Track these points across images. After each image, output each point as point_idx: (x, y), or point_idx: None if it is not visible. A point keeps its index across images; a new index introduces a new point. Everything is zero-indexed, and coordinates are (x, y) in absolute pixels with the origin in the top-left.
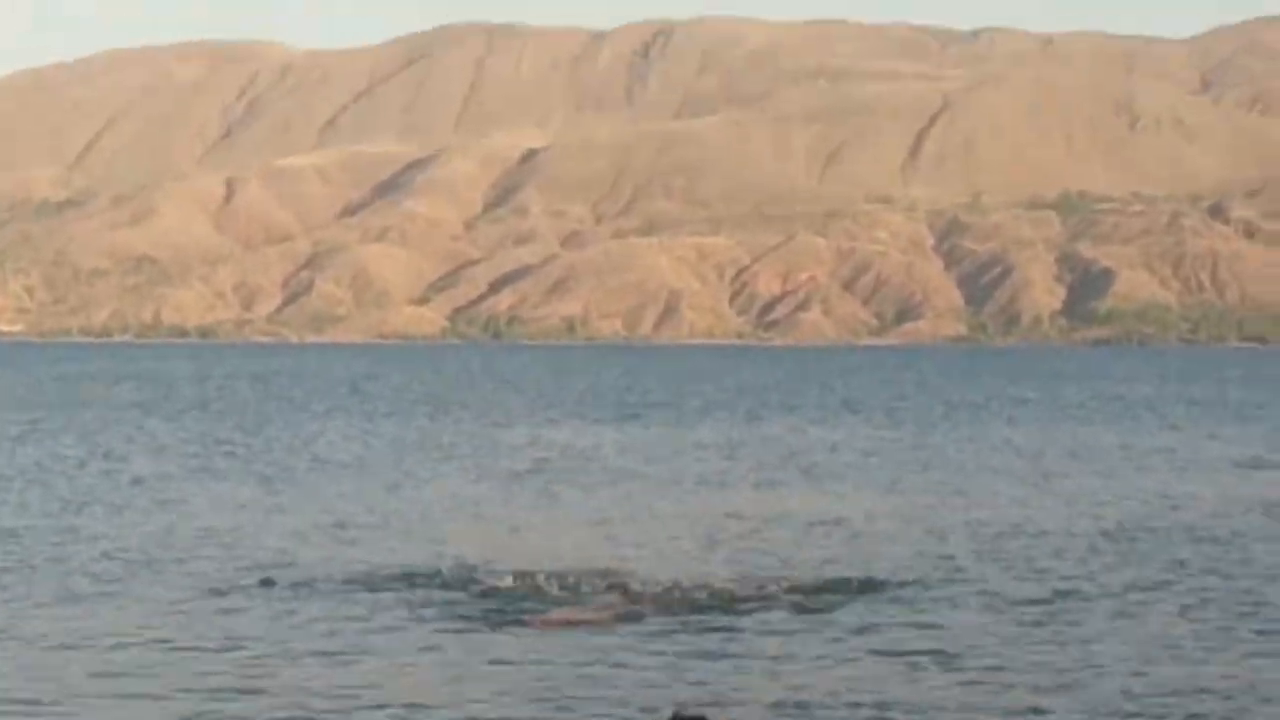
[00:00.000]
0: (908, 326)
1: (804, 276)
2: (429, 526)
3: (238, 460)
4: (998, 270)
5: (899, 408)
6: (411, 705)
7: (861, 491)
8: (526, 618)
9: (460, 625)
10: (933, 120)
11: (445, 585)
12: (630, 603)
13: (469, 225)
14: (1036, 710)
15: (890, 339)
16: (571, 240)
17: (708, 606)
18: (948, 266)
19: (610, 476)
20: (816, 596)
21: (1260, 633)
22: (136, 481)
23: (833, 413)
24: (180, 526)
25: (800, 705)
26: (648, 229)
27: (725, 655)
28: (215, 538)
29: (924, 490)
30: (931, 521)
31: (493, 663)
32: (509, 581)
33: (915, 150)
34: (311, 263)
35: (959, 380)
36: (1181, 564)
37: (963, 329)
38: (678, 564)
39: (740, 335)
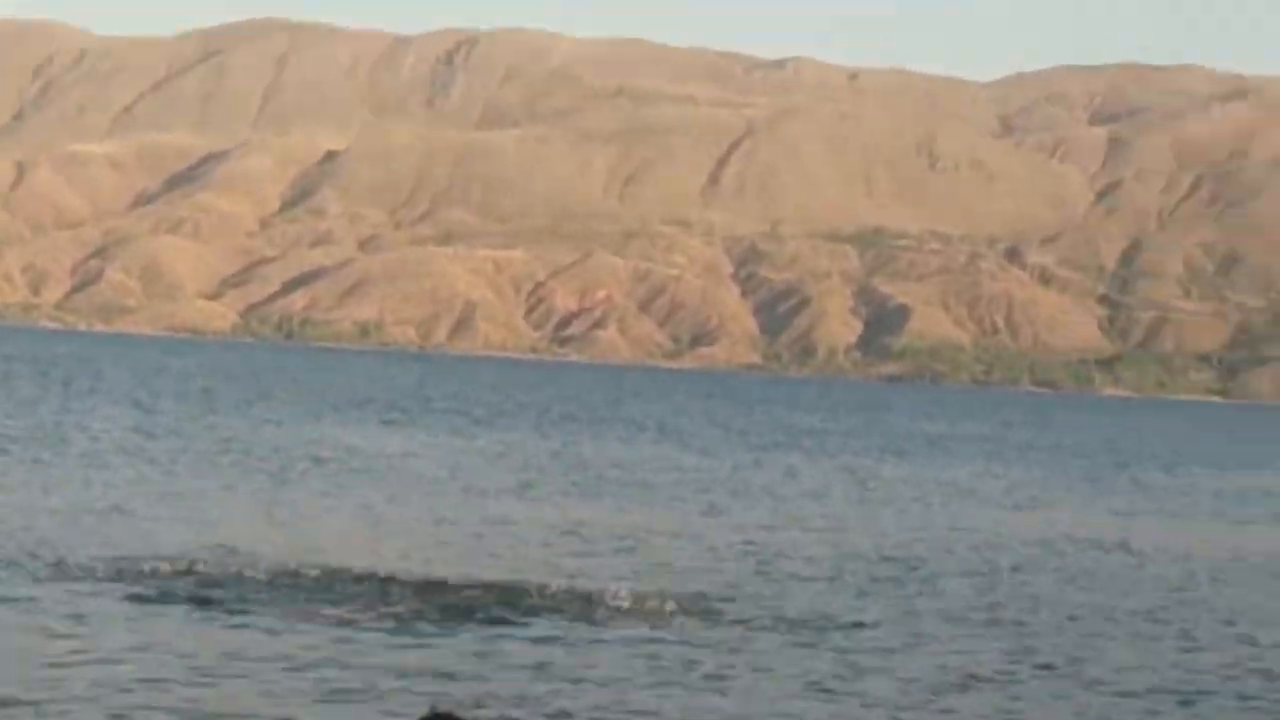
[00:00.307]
0: (703, 351)
1: (600, 294)
2: (186, 515)
3: None
4: (795, 300)
5: (685, 430)
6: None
7: (633, 505)
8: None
9: (211, 615)
10: (733, 147)
11: (196, 577)
12: (386, 598)
13: (264, 223)
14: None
15: (685, 362)
16: (368, 244)
17: (464, 608)
18: (744, 294)
19: (382, 477)
20: (575, 604)
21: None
22: None
23: (616, 428)
24: None
25: (563, 714)
26: (445, 238)
27: (483, 656)
28: None
29: (694, 509)
30: (703, 538)
31: (229, 656)
32: (262, 574)
33: (715, 175)
34: (102, 251)
35: (748, 406)
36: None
37: (758, 357)
38: (439, 564)
39: (535, 349)
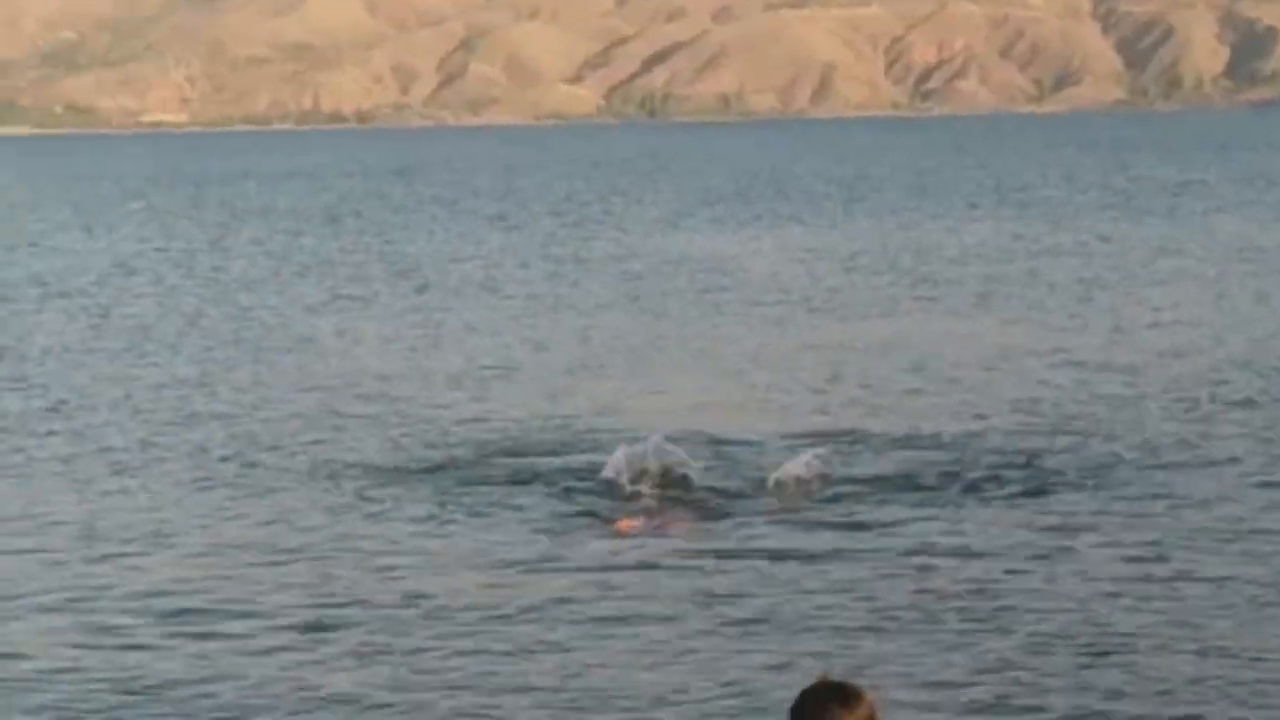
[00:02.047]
0: (1067, 93)
1: (959, 44)
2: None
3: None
4: (1158, 32)
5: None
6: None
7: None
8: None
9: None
10: None
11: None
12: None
13: (620, 2)
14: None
15: (1049, 106)
16: (722, 15)
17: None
18: (1105, 30)
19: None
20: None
21: None
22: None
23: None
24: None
25: None
26: (799, 1)
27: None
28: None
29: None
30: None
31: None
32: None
33: None
34: (465, 44)
35: (1130, 156)
36: None
37: (1123, 94)
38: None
39: (896, 106)
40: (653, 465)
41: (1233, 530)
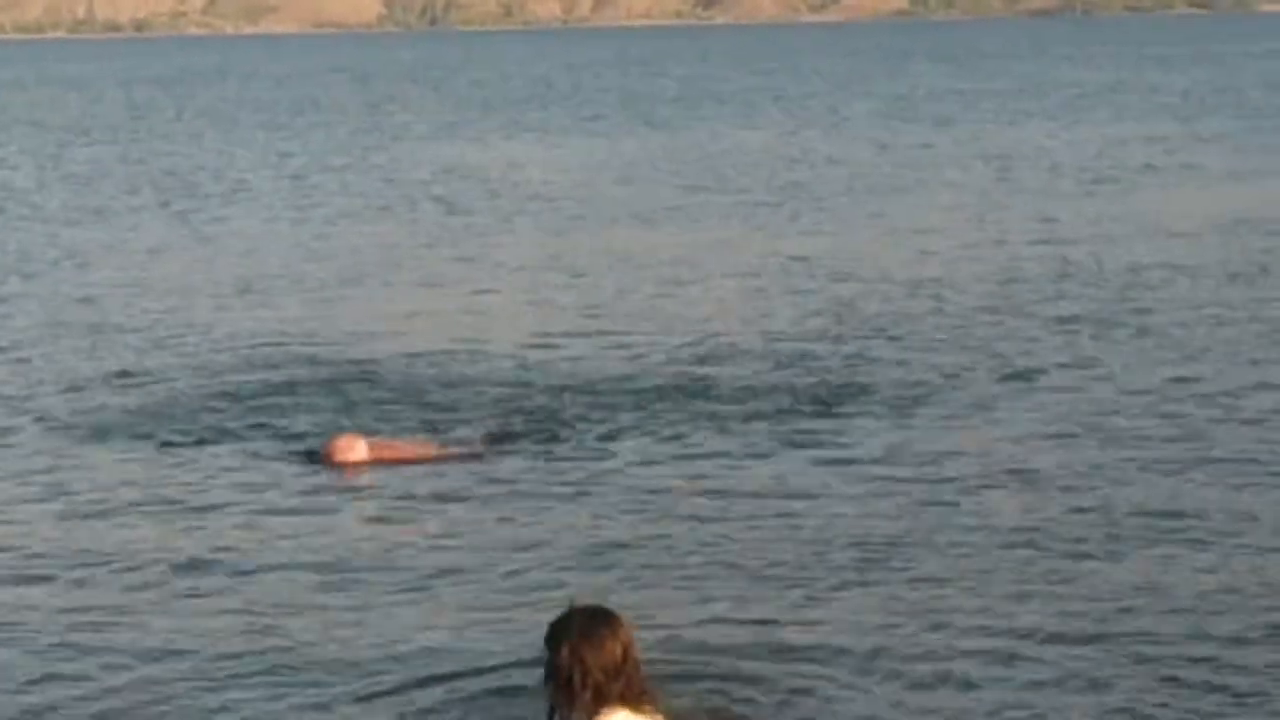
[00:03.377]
0: (848, 2)
1: None
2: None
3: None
4: None
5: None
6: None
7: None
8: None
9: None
10: None
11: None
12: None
13: None
14: None
15: (831, 15)
16: None
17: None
18: None
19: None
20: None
21: None
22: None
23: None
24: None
25: None
26: None
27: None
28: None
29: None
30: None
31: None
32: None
33: None
34: None
35: (898, 64)
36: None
37: (903, 3)
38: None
39: (679, 15)
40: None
41: (1005, 437)
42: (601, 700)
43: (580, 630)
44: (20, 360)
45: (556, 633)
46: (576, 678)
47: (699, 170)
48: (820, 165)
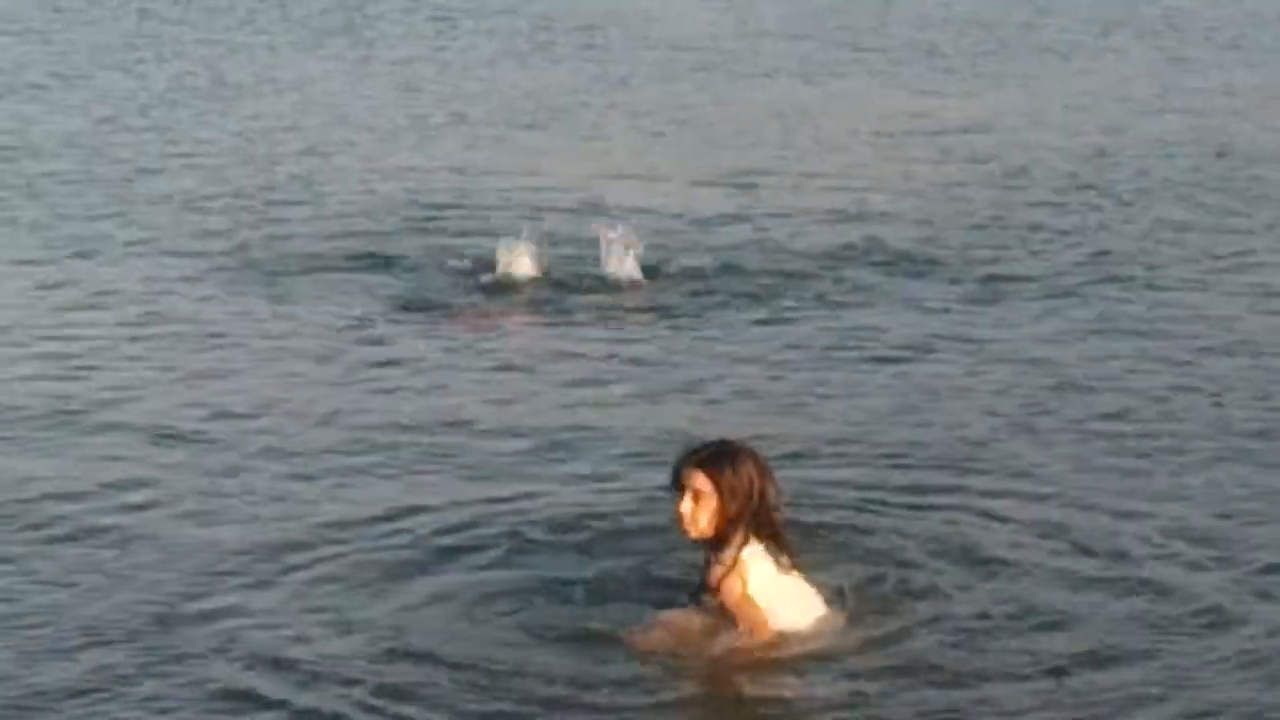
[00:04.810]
0: None
1: None
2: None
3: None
4: None
5: None
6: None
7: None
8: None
9: None
10: None
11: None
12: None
13: None
14: None
15: None
16: None
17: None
18: None
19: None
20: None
21: None
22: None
23: None
24: None
25: None
26: None
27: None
28: None
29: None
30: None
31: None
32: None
33: None
34: None
35: None
36: None
37: None
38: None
39: None
40: (519, 258)
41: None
42: (773, 525)
43: (753, 451)
44: (187, 203)
45: (728, 449)
46: (769, 492)
47: (852, 27)
48: (972, 26)
